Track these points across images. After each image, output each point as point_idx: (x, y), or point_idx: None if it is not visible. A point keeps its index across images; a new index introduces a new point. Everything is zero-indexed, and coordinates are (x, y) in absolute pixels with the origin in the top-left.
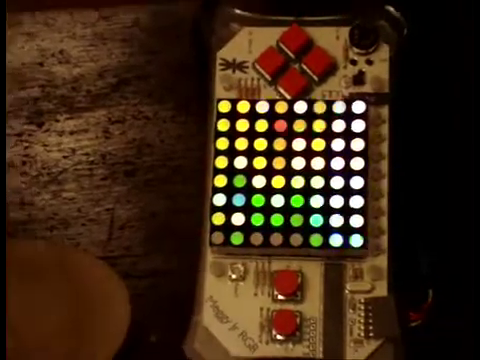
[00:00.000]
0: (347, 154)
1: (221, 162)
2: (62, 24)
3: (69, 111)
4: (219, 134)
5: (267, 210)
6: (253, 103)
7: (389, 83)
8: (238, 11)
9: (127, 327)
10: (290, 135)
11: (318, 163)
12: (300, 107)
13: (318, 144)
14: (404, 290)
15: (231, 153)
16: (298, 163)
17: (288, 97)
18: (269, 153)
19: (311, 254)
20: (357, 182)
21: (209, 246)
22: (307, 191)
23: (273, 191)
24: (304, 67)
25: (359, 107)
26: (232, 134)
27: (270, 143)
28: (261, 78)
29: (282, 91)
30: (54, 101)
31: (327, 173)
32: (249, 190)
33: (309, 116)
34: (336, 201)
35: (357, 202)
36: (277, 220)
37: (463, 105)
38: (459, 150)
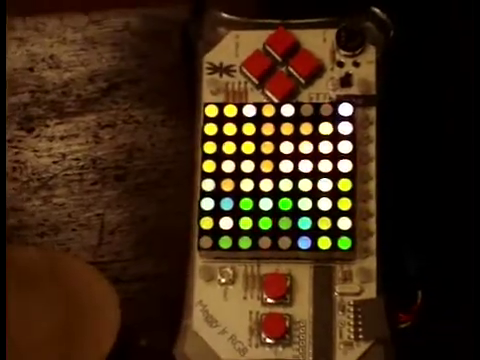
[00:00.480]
0: (335, 156)
1: (209, 166)
2: (52, 29)
3: (59, 116)
4: (206, 138)
5: (255, 214)
6: (240, 107)
7: (376, 85)
8: (225, 15)
9: (117, 331)
10: (277, 138)
11: (306, 166)
12: (287, 110)
13: (305, 147)
14: (393, 292)
15: (219, 157)
16: (286, 166)
17: (275, 100)
18: (257, 156)
19: (300, 257)
20: (345, 184)
21: (197, 250)
22: (295, 194)
23: (261, 194)
24: (291, 70)
25: (346, 109)
26: (219, 138)
27: (258, 146)
28: (248, 81)
29: (269, 94)
30: (44, 106)
31: (315, 176)
32: (237, 194)
33: (296, 119)
34: (324, 204)
35: (345, 205)
36: (265, 223)
37: (453, 105)
38: (450, 151)
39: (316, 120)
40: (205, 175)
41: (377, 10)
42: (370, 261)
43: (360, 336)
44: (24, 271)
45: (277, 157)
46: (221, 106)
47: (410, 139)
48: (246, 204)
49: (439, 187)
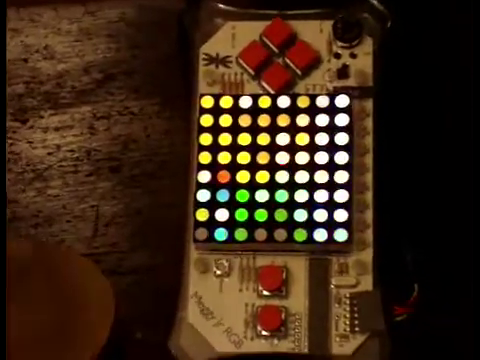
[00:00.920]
0: (331, 148)
1: (205, 158)
2: (47, 20)
3: (54, 107)
4: (202, 129)
5: (251, 205)
6: (236, 98)
7: (373, 76)
8: (222, 6)
9: (112, 324)
10: (274, 130)
11: (302, 157)
12: (283, 102)
13: (302, 138)
14: (390, 284)
15: (215, 148)
16: (282, 158)
17: (271, 91)
18: (253, 148)
19: (296, 249)
20: (341, 176)
21: (193, 242)
22: (291, 186)
23: (257, 186)
24: (287, 61)
25: (343, 101)
26: (215, 129)
27: (254, 138)
28: (244, 72)
29: (265, 85)
30: (38, 97)
31: (311, 167)
32: (233, 185)
33: (293, 110)
34: (320, 195)
35: (341, 196)
36: (261, 215)
37: (451, 97)
38: (448, 144)
39: (312, 112)
40: (201, 167)
41: (374, 1)
42: (366, 253)
43: (356, 328)
44: (17, 263)
45: (273, 149)
46: (217, 97)
47: (407, 131)
48: (242, 196)
49: (437, 179)
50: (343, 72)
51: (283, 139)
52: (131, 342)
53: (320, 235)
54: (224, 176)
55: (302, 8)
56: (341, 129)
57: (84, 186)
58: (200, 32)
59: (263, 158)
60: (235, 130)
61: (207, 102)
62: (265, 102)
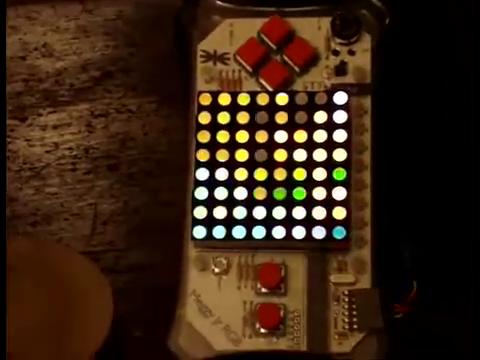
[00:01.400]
0: (329, 145)
1: (203, 155)
2: (45, 17)
3: (52, 105)
4: (200, 127)
5: (249, 203)
6: (234, 95)
7: (371, 73)
8: (219, 3)
9: (110, 322)
10: (272, 127)
11: (300, 155)
12: (281, 99)
13: (300, 136)
14: (388, 282)
15: (213, 146)
16: (280, 155)
17: (270, 88)
18: (251, 145)
19: (294, 247)
20: (339, 173)
21: (191, 240)
22: (289, 183)
23: (255, 184)
24: (285, 58)
25: (341, 98)
26: (213, 127)
27: (252, 135)
28: (242, 70)
29: (264, 82)
30: (37, 95)
31: (309, 165)
32: (231, 183)
33: (291, 108)
34: (319, 193)
35: (340, 194)
36: (260, 213)
37: (449, 94)
38: (446, 141)
39: (311, 109)
40: (199, 164)
41: None
42: (365, 251)
43: (355, 326)
44: (15, 261)
45: (271, 146)
46: (215, 95)
47: (405, 128)
48: (240, 193)
49: (435, 177)
50: (341, 69)
51: (281, 136)
52: (129, 340)
53: (319, 233)
54: (222, 173)
55: (300, 5)
56: (339, 126)
57: (82, 184)
58: (198, 29)
59: (261, 155)
60: (233, 127)
61: (205, 99)
62: (263, 99)
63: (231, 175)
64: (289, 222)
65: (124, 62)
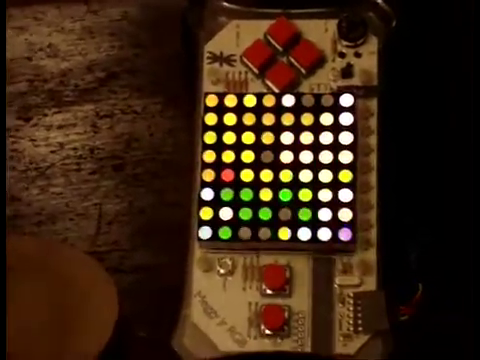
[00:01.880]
0: (335, 147)
1: (209, 156)
2: (51, 18)
3: (57, 105)
4: (207, 128)
5: (255, 204)
6: (240, 97)
7: (378, 76)
8: (226, 4)
9: (115, 322)
10: (278, 129)
11: (306, 157)
12: (288, 100)
13: (306, 137)
14: (393, 284)
15: (219, 147)
16: (286, 157)
17: (276, 90)
18: (257, 147)
19: (299, 248)
20: (345, 175)
21: (197, 241)
22: (295, 185)
23: (261, 185)
24: (292, 60)
25: (347, 100)
26: (220, 128)
27: (258, 137)
28: (249, 71)
29: (270, 84)
30: (42, 95)
31: (315, 167)
32: (237, 184)
33: (297, 109)
34: (324, 195)
35: (346, 196)
36: (265, 214)
37: (455, 97)
38: (451, 144)
39: (317, 111)
40: (205, 165)
41: (379, 0)
42: (370, 253)
43: (360, 328)
44: (20, 261)
45: (277, 147)
46: (221, 96)
47: (411, 130)
48: (246, 194)
49: (441, 179)
50: (347, 71)
51: (287, 138)
52: (134, 340)
53: (324, 234)
54: (228, 175)
55: (307, 7)
56: (345, 128)
57: (87, 184)
58: (204, 30)
59: (267, 157)
60: (239, 129)
61: (212, 101)
62: (269, 101)
63: (237, 176)
64: (295, 223)
65: (129, 63)
